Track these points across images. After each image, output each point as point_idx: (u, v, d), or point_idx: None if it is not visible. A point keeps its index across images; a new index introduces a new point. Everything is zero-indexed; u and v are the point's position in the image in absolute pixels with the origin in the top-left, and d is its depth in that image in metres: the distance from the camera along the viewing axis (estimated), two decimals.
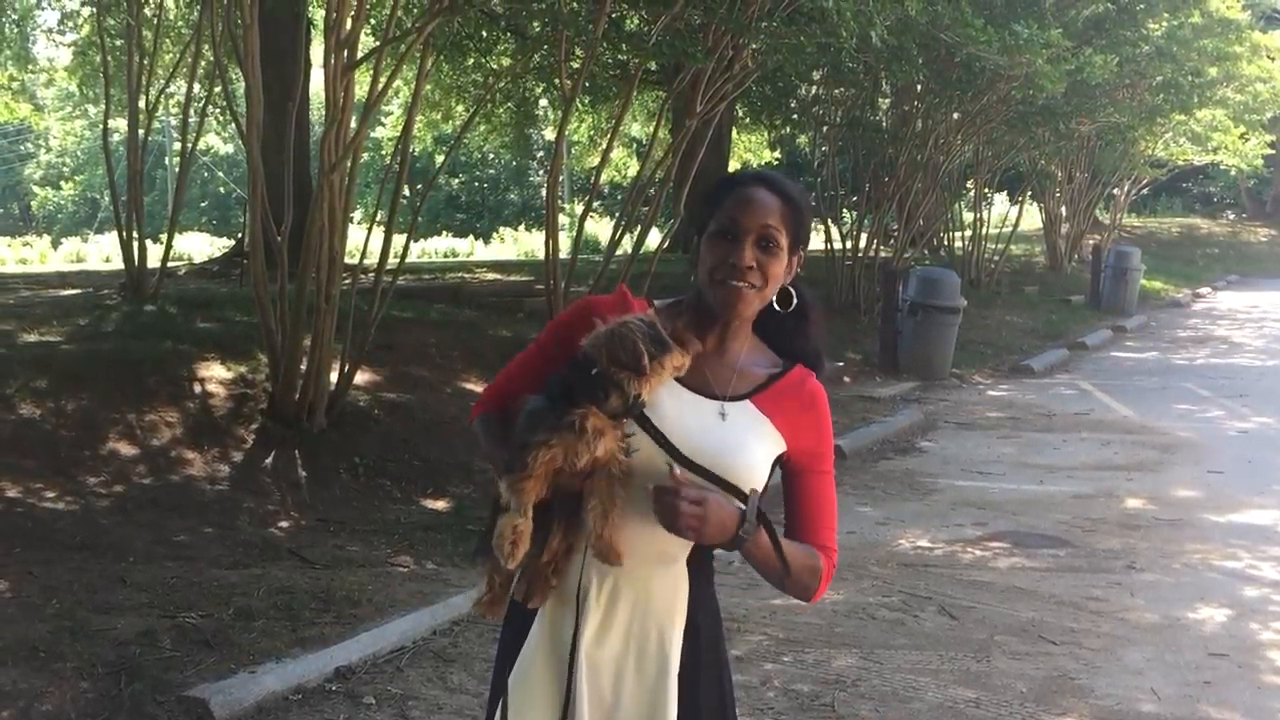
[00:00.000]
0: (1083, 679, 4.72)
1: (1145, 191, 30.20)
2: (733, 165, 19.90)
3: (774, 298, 2.18)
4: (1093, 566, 6.25)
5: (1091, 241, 23.29)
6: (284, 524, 6.52)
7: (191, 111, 10.96)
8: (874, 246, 15.56)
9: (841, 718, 4.34)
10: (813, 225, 2.26)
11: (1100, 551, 6.52)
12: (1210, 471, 8.45)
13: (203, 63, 11.21)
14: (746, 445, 2.10)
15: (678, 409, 2.08)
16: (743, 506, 2.03)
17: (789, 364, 2.23)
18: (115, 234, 11.22)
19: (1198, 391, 12.08)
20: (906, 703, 4.47)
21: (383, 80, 8.04)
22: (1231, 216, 38.41)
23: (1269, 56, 21.14)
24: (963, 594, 5.76)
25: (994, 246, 20.36)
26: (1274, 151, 27.09)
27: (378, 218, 10.90)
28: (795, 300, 2.23)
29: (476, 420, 2.29)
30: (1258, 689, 4.65)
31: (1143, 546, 6.61)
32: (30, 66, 19.69)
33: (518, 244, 31.84)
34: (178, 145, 14.34)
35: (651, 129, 12.11)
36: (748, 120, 18.91)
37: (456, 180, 42.26)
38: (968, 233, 19.89)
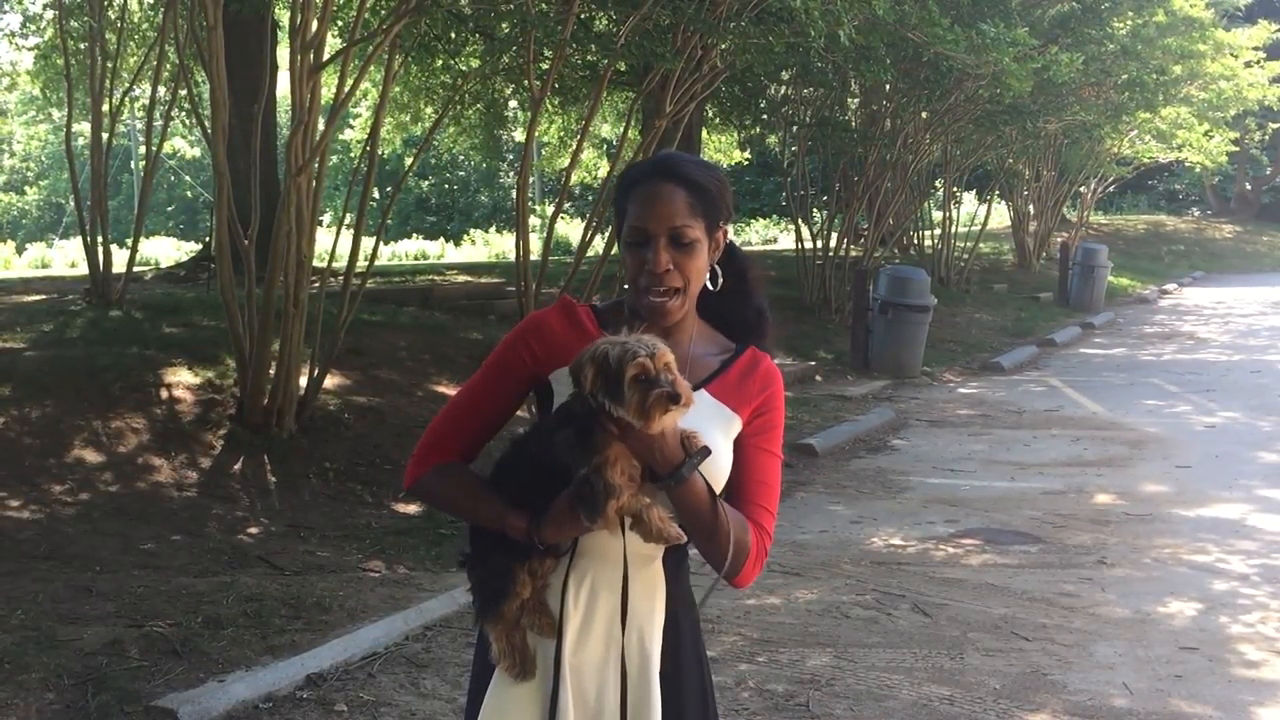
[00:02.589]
0: (1055, 675, 4.74)
1: (1112, 189, 30.49)
2: None
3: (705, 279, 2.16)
4: (1064, 562, 6.28)
5: (1059, 239, 23.48)
6: (253, 530, 6.46)
7: (156, 115, 10.86)
8: (844, 246, 15.62)
9: (816, 717, 4.34)
10: (731, 194, 2.19)
11: (1071, 547, 6.55)
12: (1179, 466, 8.51)
13: (167, 65, 11.08)
14: (710, 436, 2.07)
15: None
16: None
17: (740, 347, 2.21)
18: (80, 239, 11.09)
19: (1165, 387, 12.19)
20: (881, 701, 4.47)
21: (349, 82, 7.99)
22: (1197, 213, 38.85)
23: (1232, 54, 21.37)
24: (936, 591, 5.78)
25: (963, 245, 20.50)
26: (1238, 148, 27.40)
27: (346, 220, 10.84)
28: (722, 279, 2.20)
29: (429, 475, 2.16)
30: (1228, 682, 4.69)
31: (1113, 542, 6.65)
32: None
33: (488, 246, 31.70)
34: (143, 149, 14.20)
35: (621, 130, 12.09)
36: (717, 120, 18.91)
37: (426, 182, 42.07)
38: (937, 231, 20.01)
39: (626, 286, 2.16)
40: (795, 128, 15.72)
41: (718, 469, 2.08)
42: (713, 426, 2.10)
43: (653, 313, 2.10)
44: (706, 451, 1.98)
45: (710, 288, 2.18)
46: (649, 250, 2.07)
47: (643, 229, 2.08)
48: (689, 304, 2.14)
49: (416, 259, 27.73)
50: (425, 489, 2.18)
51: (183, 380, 7.94)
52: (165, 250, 28.38)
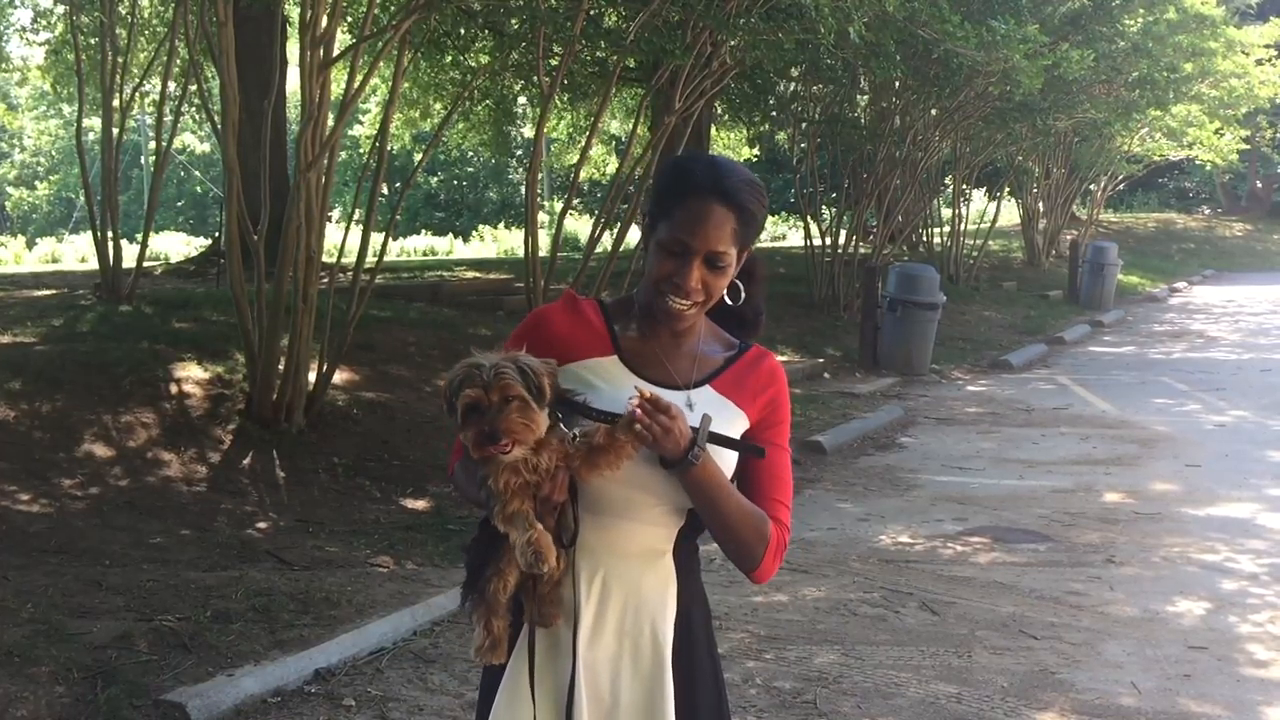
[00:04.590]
0: (1063, 673, 4.73)
1: (1122, 187, 30.36)
2: None
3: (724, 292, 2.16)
4: (1072, 561, 6.27)
5: (1069, 237, 23.41)
6: (262, 525, 6.47)
7: (167, 110, 10.89)
8: (853, 243, 15.60)
9: (823, 714, 4.34)
10: (768, 212, 2.22)
11: (1080, 546, 6.54)
12: (1188, 465, 8.49)
13: (178, 61, 11.10)
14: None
15: None
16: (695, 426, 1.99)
17: (744, 344, 2.23)
18: (90, 234, 11.13)
19: (1175, 386, 12.15)
20: (888, 699, 4.47)
21: (359, 78, 7.99)
22: (1207, 211, 38.69)
23: (1243, 52, 21.26)
24: (944, 589, 5.77)
25: (972, 242, 20.46)
26: (1249, 146, 27.27)
27: (356, 216, 10.84)
28: (743, 295, 2.20)
29: (457, 467, 2.21)
30: (1237, 682, 4.67)
31: (1122, 541, 6.64)
32: (3, 66, 19.53)
33: (497, 242, 31.76)
34: (153, 144, 14.25)
35: (631, 126, 12.07)
36: (727, 117, 18.90)
37: (435, 178, 42.13)
38: (946, 229, 19.97)
39: (644, 282, 2.16)
40: (805, 124, 15.70)
41: (724, 462, 2.09)
42: (718, 422, 2.10)
43: (667, 316, 2.11)
44: (708, 420, 1.99)
45: (729, 301, 2.18)
46: (683, 263, 2.06)
47: (684, 243, 2.06)
48: (701, 315, 2.16)
49: (425, 255, 27.80)
50: (455, 481, 2.23)
51: (192, 375, 7.96)
52: (175, 245, 28.50)
